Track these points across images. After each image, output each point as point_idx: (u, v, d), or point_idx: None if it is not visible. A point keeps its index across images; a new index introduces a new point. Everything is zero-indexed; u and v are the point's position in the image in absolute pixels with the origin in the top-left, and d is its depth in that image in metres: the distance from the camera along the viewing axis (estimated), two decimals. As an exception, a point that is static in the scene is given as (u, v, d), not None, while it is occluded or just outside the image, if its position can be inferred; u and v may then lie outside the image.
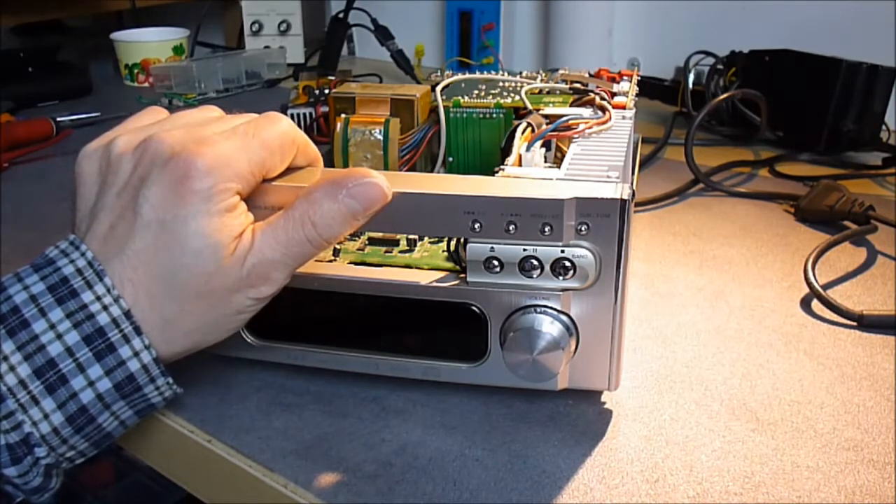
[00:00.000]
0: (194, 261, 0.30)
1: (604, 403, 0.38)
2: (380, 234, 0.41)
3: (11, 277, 0.30)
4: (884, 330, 0.44)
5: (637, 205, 0.61)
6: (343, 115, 0.51)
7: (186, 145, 0.31)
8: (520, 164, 0.39)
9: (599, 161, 0.37)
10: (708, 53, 0.84)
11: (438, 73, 0.60)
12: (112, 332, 0.30)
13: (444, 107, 0.52)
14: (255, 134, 0.33)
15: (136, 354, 0.30)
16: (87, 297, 0.30)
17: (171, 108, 0.76)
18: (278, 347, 0.38)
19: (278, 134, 0.33)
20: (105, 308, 0.30)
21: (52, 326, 0.29)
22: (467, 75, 0.59)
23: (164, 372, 0.31)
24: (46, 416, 0.29)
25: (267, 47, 1.08)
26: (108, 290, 0.30)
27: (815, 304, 0.47)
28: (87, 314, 0.30)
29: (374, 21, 0.99)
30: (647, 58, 0.98)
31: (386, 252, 0.39)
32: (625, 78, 0.56)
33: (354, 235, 0.42)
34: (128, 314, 0.30)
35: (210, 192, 0.30)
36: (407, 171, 0.51)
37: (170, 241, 0.30)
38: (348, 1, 1.00)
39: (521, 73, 0.61)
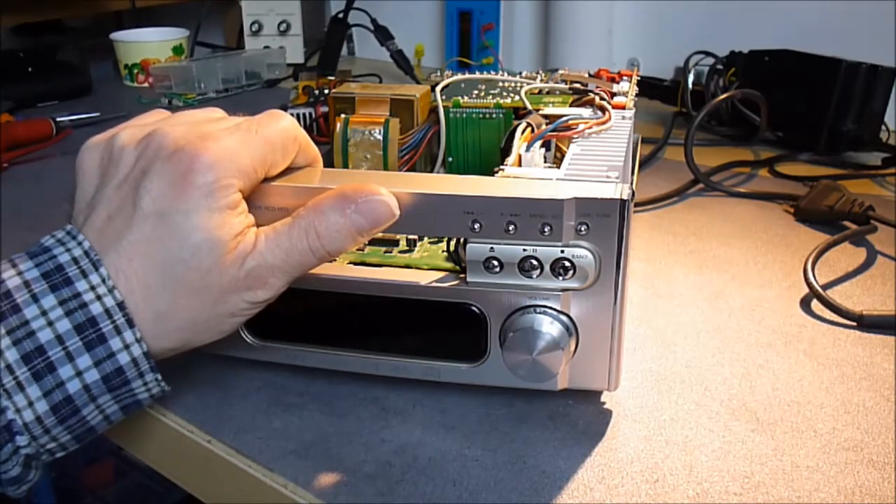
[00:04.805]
0: (192, 256, 0.30)
1: (604, 403, 0.38)
2: (379, 234, 0.41)
3: (6, 263, 0.30)
4: (883, 330, 0.44)
5: (637, 205, 0.61)
6: (343, 116, 0.51)
7: (190, 140, 0.31)
8: (519, 165, 0.39)
9: (599, 161, 0.37)
10: (708, 53, 0.84)
11: (438, 73, 0.60)
12: (104, 322, 0.30)
13: (444, 107, 0.52)
14: (257, 130, 0.33)
15: (127, 347, 0.30)
16: (81, 285, 0.30)
17: (171, 109, 0.76)
18: (278, 347, 0.38)
19: (280, 130, 0.34)
20: (99, 298, 0.30)
21: (44, 313, 0.29)
22: (467, 75, 0.59)
23: (153, 367, 0.31)
24: (31, 404, 0.29)
25: (267, 47, 1.08)
26: (103, 281, 0.30)
27: (815, 304, 0.47)
28: (80, 303, 0.29)
29: (373, 21, 0.99)
30: (646, 58, 0.98)
31: (386, 252, 0.39)
32: (624, 78, 0.56)
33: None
34: (121, 305, 0.30)
35: (212, 186, 0.30)
36: (407, 171, 0.51)
37: (168, 235, 0.30)
38: (348, 1, 1.00)
39: (520, 73, 0.61)
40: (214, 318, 0.32)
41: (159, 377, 0.32)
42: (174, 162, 0.30)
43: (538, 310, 0.34)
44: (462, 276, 0.35)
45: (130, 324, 0.30)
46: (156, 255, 0.30)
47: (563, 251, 0.33)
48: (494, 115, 0.52)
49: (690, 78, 0.84)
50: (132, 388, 0.31)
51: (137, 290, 0.30)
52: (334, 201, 0.32)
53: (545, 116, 0.45)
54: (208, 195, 0.30)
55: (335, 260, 0.39)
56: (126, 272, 0.30)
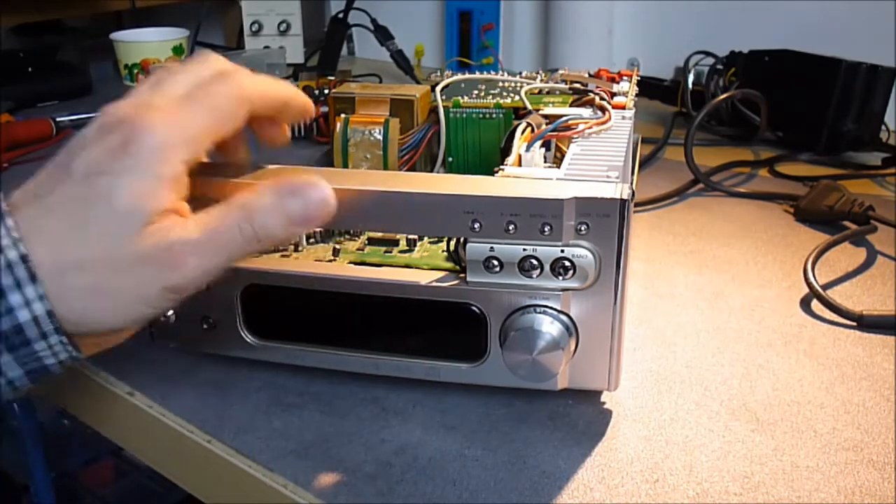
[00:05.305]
0: (111, 219, 0.29)
1: (604, 403, 0.38)
2: (380, 234, 0.41)
3: None
4: (883, 330, 0.44)
5: (637, 205, 0.61)
6: (343, 115, 0.51)
7: (135, 111, 0.30)
8: (519, 164, 0.39)
9: (599, 161, 0.37)
10: (708, 53, 0.84)
11: (438, 73, 0.60)
12: (4, 276, 0.28)
13: (444, 107, 0.52)
14: (202, 99, 0.32)
15: (28, 304, 0.29)
16: None
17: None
18: (278, 347, 0.38)
19: (227, 98, 0.33)
20: (1, 250, 0.28)
21: None
22: (467, 75, 0.59)
23: (58, 329, 0.29)
24: None
25: (267, 47, 1.08)
26: (8, 231, 0.29)
27: (815, 304, 0.47)
28: None
29: (373, 21, 0.99)
30: (646, 58, 0.98)
31: (386, 252, 0.39)
32: (624, 78, 0.57)
33: (354, 235, 0.42)
34: (24, 258, 0.28)
35: (151, 154, 0.30)
36: (407, 171, 0.51)
37: (92, 195, 0.29)
38: (348, 1, 1.00)
39: (520, 73, 0.61)
40: (125, 292, 0.30)
41: (65, 340, 0.30)
42: (116, 132, 0.30)
43: (538, 309, 0.34)
44: (462, 275, 0.35)
45: (33, 279, 0.29)
46: (76, 213, 0.29)
47: (563, 251, 0.33)
48: (494, 115, 0.52)
49: (690, 78, 0.84)
50: (35, 349, 0.29)
51: (47, 245, 0.29)
52: (270, 184, 0.31)
53: (545, 116, 0.45)
54: (145, 163, 0.30)
55: (335, 259, 0.39)
56: (43, 226, 0.29)
